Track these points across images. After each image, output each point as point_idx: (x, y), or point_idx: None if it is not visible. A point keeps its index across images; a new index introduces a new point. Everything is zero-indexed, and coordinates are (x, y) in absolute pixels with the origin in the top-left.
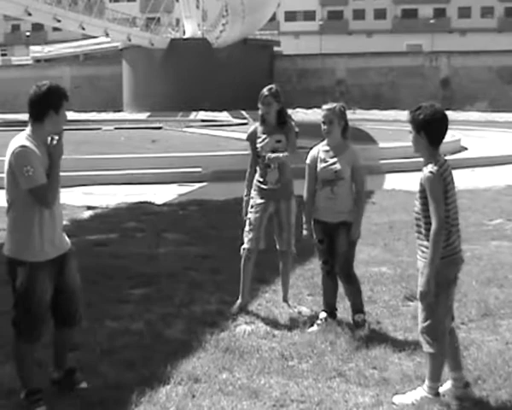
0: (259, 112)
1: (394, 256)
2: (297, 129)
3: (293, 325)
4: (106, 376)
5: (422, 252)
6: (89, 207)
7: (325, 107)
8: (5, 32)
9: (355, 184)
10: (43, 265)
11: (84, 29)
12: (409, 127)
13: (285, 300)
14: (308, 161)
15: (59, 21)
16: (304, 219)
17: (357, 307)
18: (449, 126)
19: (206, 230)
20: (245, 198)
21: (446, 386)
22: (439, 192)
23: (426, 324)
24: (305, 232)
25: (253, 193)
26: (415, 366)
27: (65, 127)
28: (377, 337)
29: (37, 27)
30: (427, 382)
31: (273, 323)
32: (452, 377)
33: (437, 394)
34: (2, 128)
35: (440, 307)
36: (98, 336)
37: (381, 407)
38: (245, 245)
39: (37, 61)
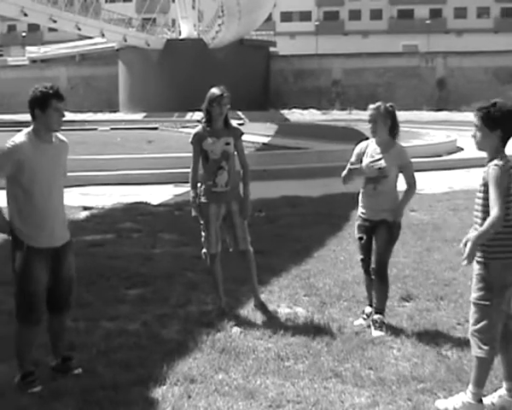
0: (213, 112)
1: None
2: (241, 130)
3: (289, 325)
4: (102, 376)
5: (478, 252)
6: (85, 208)
7: (371, 106)
8: (1, 32)
9: (405, 179)
10: (37, 250)
11: (79, 29)
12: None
13: (257, 303)
14: (354, 156)
15: (55, 22)
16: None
17: (380, 308)
18: (444, 127)
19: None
20: (194, 200)
21: (495, 395)
22: (502, 186)
23: (477, 327)
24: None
25: (203, 198)
26: (411, 366)
27: (60, 127)
28: (373, 338)
29: (33, 28)
30: (470, 387)
31: (269, 323)
32: (505, 388)
33: (480, 400)
34: None
35: (492, 311)
36: (94, 337)
37: (377, 408)
38: (207, 251)
39: (34, 61)
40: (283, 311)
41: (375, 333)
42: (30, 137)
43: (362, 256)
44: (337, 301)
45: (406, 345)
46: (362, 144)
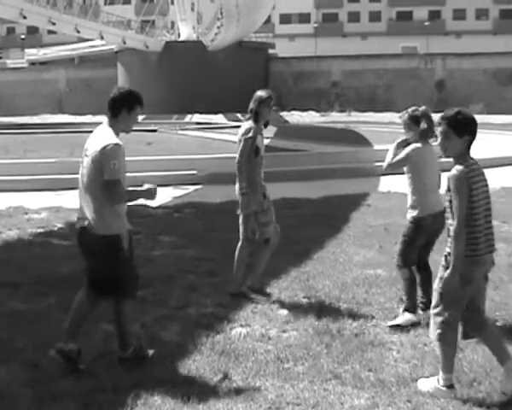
0: (263, 113)
1: (389, 259)
2: None
3: (288, 327)
4: (101, 378)
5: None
6: None
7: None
8: (0, 35)
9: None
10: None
11: (79, 32)
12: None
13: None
14: None
15: (54, 24)
16: None
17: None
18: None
19: (202, 232)
20: (248, 195)
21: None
22: (463, 192)
23: (436, 310)
24: None
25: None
26: (410, 368)
27: (60, 130)
28: (373, 339)
29: (33, 30)
30: (440, 373)
31: (268, 325)
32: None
33: (450, 386)
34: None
35: (453, 300)
36: (94, 339)
37: (376, 409)
38: (265, 236)
39: (33, 63)
40: (283, 313)
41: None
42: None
43: None
44: (336, 303)
45: (406, 347)
46: None
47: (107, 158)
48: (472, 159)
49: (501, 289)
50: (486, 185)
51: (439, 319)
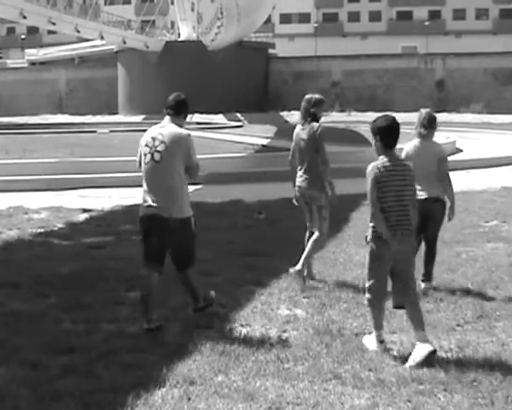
0: (318, 113)
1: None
2: None
3: (288, 327)
4: (101, 378)
5: None
6: (84, 210)
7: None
8: (0, 35)
9: None
10: None
11: (79, 32)
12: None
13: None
14: None
15: (54, 24)
16: None
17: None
18: (443, 128)
19: (202, 232)
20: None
21: None
22: (372, 181)
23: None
24: None
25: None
26: (411, 367)
27: (60, 130)
28: None
29: (33, 30)
30: (373, 331)
31: (268, 325)
32: None
33: (381, 341)
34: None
35: (372, 273)
36: (94, 339)
37: (376, 409)
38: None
39: (33, 64)
40: (283, 313)
41: None
42: None
43: None
44: (337, 303)
45: (406, 347)
46: None
47: (192, 144)
48: (394, 159)
49: (501, 289)
50: (400, 178)
51: (366, 285)
